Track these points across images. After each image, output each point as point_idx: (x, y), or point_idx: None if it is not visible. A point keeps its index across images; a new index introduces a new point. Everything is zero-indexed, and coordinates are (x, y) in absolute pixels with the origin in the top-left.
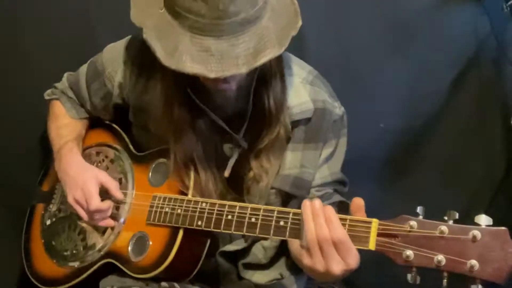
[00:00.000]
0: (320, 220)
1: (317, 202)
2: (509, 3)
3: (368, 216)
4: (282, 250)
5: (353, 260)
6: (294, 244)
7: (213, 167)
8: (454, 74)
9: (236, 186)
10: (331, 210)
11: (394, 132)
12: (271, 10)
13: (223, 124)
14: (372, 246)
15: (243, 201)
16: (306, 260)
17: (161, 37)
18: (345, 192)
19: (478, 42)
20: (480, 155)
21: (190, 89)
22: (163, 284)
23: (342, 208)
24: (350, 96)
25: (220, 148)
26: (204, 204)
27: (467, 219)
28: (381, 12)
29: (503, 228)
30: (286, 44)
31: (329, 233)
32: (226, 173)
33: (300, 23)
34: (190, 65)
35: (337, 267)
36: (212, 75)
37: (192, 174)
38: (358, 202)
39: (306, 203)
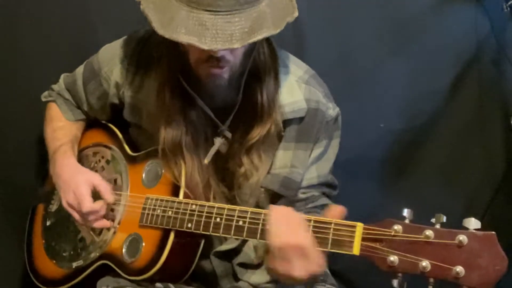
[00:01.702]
0: (285, 225)
1: (284, 208)
2: (509, 3)
3: (368, 216)
4: None
5: (315, 267)
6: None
7: (201, 157)
8: (454, 74)
9: (227, 181)
10: (298, 216)
11: (394, 132)
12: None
13: (209, 112)
14: (356, 251)
15: (233, 196)
16: (270, 264)
17: (158, 10)
18: (334, 195)
19: (478, 42)
20: (480, 155)
21: (182, 77)
22: (158, 285)
23: None
24: (350, 96)
25: (211, 139)
26: (194, 206)
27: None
28: (381, 12)
29: (491, 232)
30: (282, 26)
31: (294, 239)
32: (206, 160)
33: (297, 13)
34: (185, 36)
35: (299, 272)
36: (205, 46)
37: (182, 164)
38: (338, 209)
39: (273, 207)
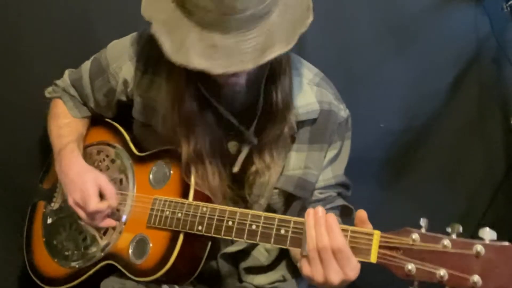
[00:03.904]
0: (321, 228)
1: (320, 210)
2: (509, 3)
3: (368, 216)
4: (284, 252)
5: (352, 271)
6: (294, 252)
7: (219, 163)
8: (454, 74)
9: (238, 181)
10: (333, 219)
11: (394, 132)
12: (283, 4)
13: (233, 119)
14: (373, 258)
15: (244, 197)
16: (305, 269)
17: (169, 32)
18: (349, 196)
19: (478, 42)
20: (480, 155)
21: (200, 83)
22: (164, 286)
23: (345, 212)
24: (350, 96)
25: (225, 145)
26: (204, 209)
27: (467, 219)
28: (381, 12)
29: (507, 243)
30: (294, 41)
31: (329, 242)
32: (236, 169)
33: (310, 19)
34: (197, 61)
35: (336, 276)
36: (218, 71)
37: (193, 173)
38: (361, 215)
39: (309, 211)
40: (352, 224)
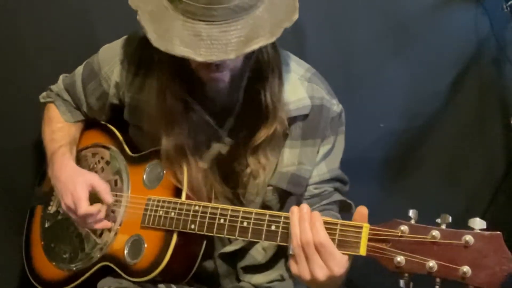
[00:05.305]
0: (305, 223)
1: (305, 207)
2: (509, 3)
3: (368, 216)
4: (282, 251)
5: (336, 266)
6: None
7: (203, 159)
8: (454, 74)
9: (231, 181)
10: (316, 215)
11: (394, 132)
12: (269, 2)
13: (207, 118)
14: (363, 251)
15: (237, 196)
16: (293, 268)
17: (154, 20)
18: (346, 191)
19: (478, 42)
20: (480, 155)
21: (184, 80)
22: (160, 286)
23: (344, 208)
24: (350, 96)
25: (213, 141)
26: (197, 207)
27: (467, 219)
28: (381, 12)
29: (497, 232)
30: (278, 34)
31: (312, 237)
32: (205, 165)
33: (296, 16)
34: (180, 48)
35: (321, 272)
36: (200, 58)
37: (185, 168)
38: (361, 211)
39: (293, 209)
40: (351, 219)
